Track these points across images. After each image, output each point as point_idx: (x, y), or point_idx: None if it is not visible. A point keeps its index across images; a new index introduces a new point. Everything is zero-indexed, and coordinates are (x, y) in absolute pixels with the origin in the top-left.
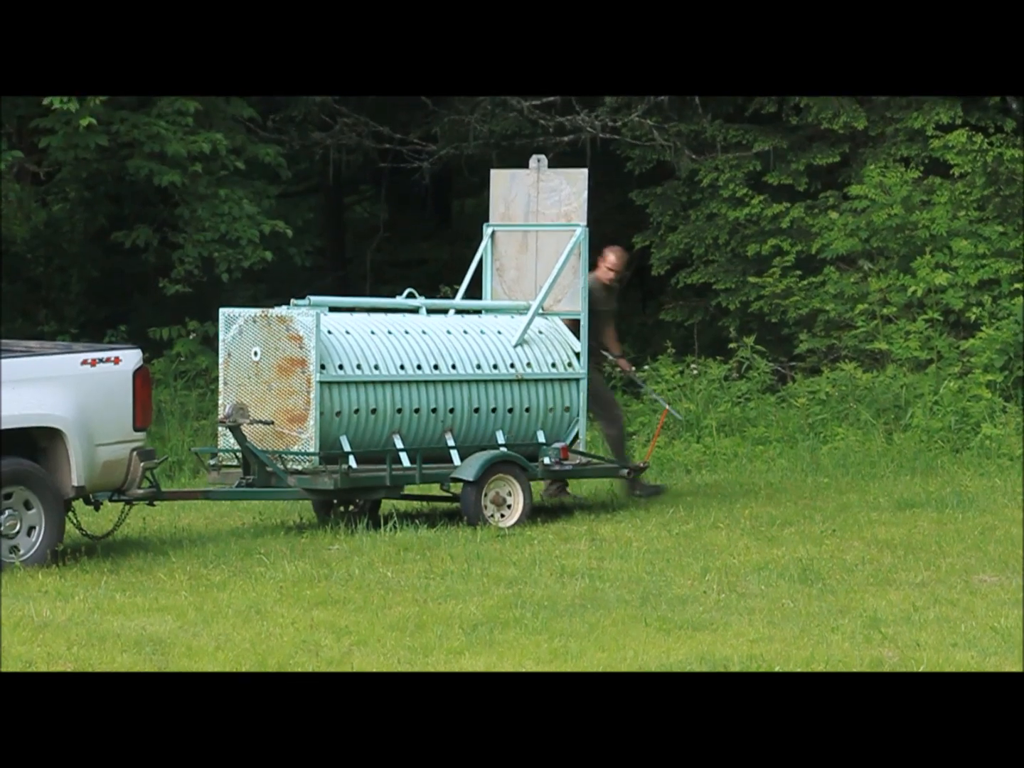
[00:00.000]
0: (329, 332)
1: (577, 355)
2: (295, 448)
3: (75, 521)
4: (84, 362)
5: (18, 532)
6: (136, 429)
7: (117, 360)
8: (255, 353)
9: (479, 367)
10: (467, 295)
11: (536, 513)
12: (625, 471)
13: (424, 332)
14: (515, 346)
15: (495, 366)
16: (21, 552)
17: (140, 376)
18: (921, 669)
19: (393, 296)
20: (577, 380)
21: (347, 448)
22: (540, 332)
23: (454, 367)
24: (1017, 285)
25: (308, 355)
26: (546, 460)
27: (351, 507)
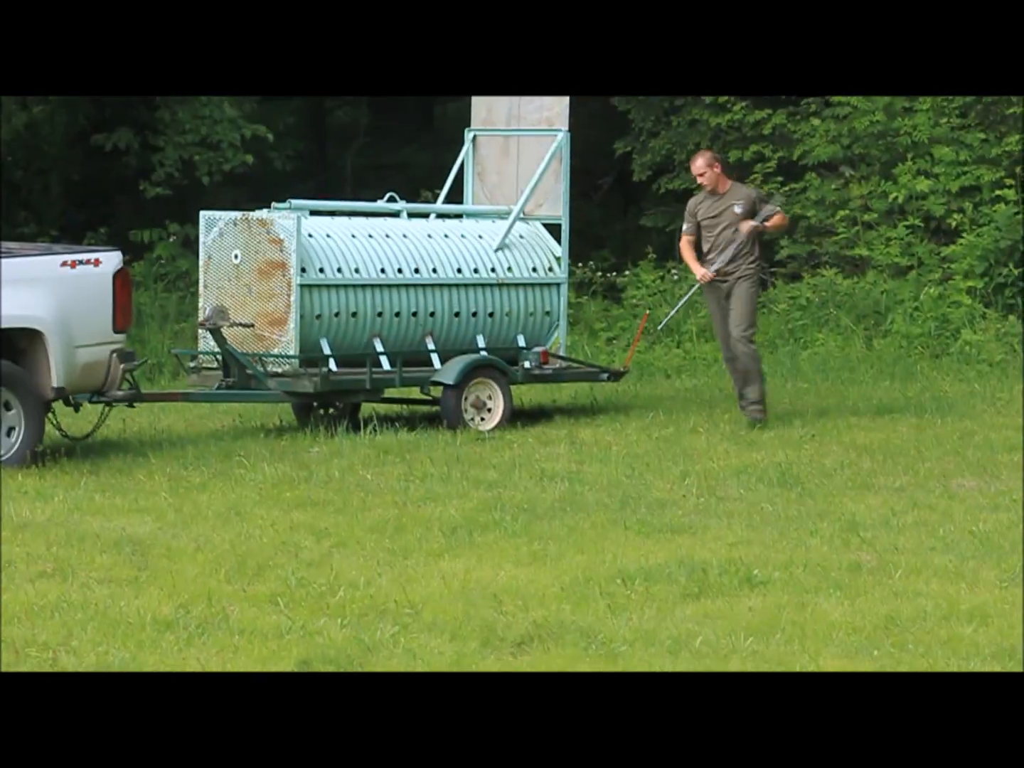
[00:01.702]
0: (310, 235)
1: (558, 260)
2: (275, 351)
3: (55, 422)
4: (64, 264)
5: None
6: (116, 331)
7: (97, 262)
8: (235, 256)
9: (460, 271)
10: (448, 199)
11: (516, 417)
12: (605, 375)
13: (405, 236)
14: (496, 250)
15: (476, 270)
16: (1, 452)
17: (120, 278)
18: (899, 574)
19: (374, 200)
20: (558, 285)
21: (327, 351)
22: (521, 237)
23: (435, 271)
24: (998, 192)
25: (288, 258)
26: (526, 364)
27: (331, 410)
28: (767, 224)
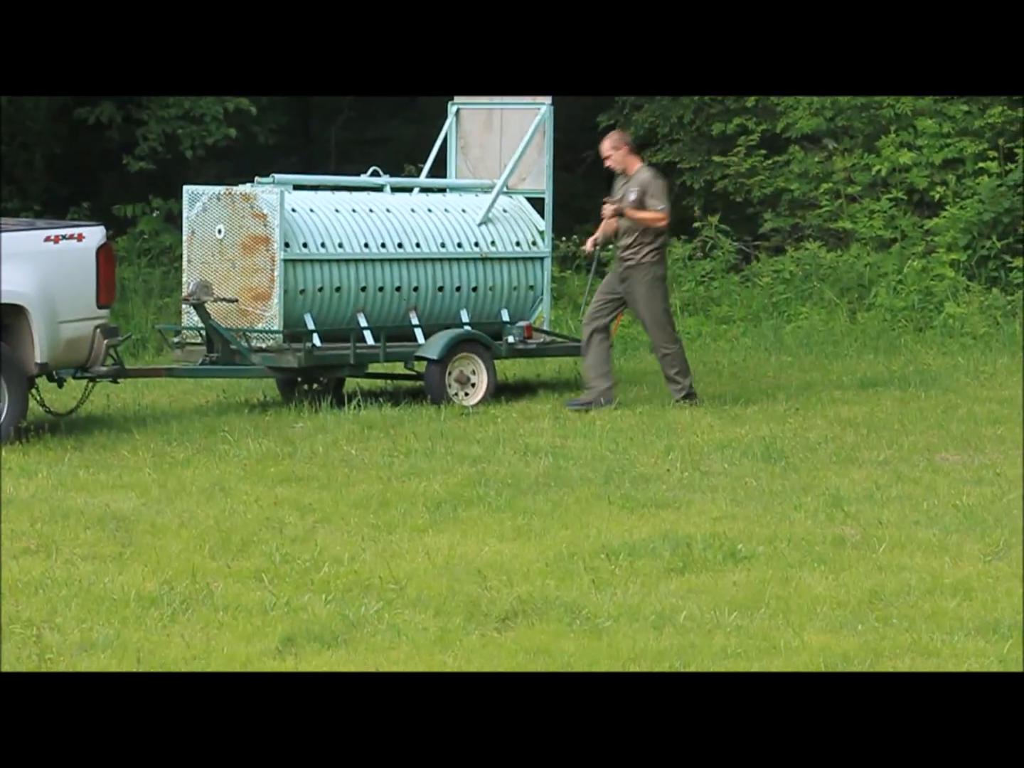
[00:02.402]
0: (293, 210)
1: (541, 234)
2: (259, 326)
3: (39, 398)
4: (47, 239)
5: None
6: (100, 306)
7: (80, 237)
8: (219, 231)
9: (443, 245)
10: (432, 173)
11: (500, 392)
12: None
13: (388, 210)
14: (479, 224)
15: (459, 244)
16: None
17: (103, 253)
18: (882, 548)
19: (358, 175)
20: (541, 259)
21: (311, 326)
22: (504, 211)
23: (418, 245)
24: (981, 164)
25: (272, 233)
26: (510, 339)
27: (315, 385)
28: (633, 213)
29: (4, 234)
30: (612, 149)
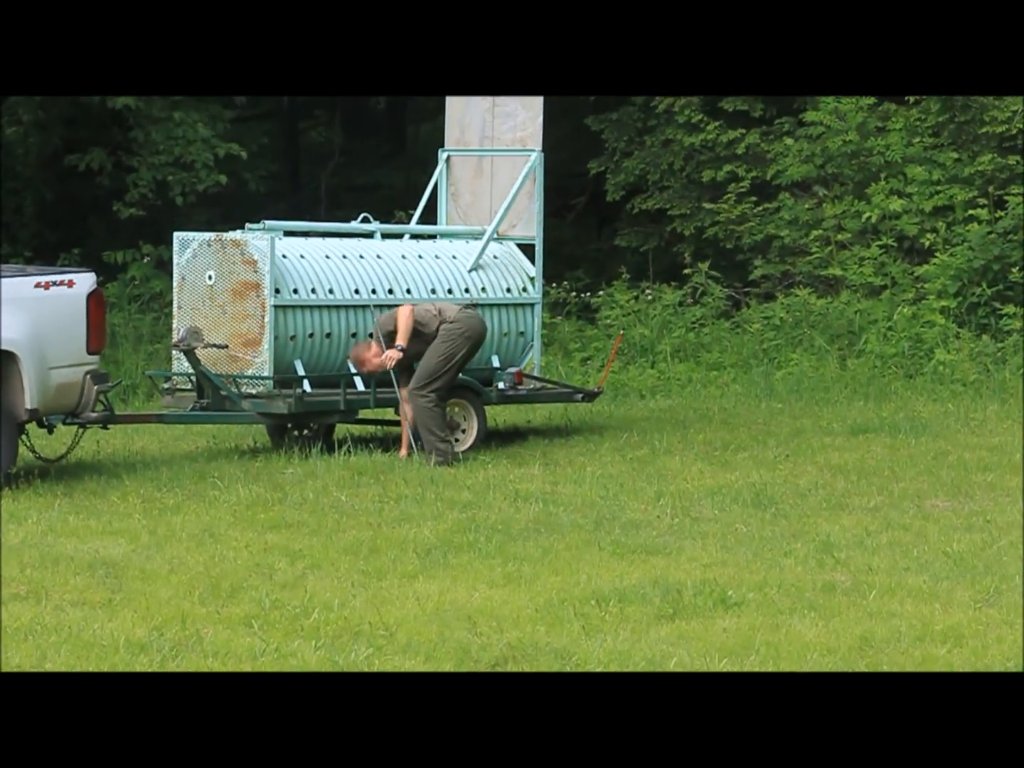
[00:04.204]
0: (284, 256)
1: (532, 280)
2: (249, 372)
3: (29, 444)
4: (38, 285)
5: None
6: (90, 352)
7: (71, 283)
8: (209, 277)
9: (434, 292)
10: (422, 220)
11: (490, 438)
12: (579, 396)
13: (379, 257)
14: (470, 271)
15: (450, 291)
16: None
17: (94, 299)
18: (873, 595)
19: (348, 221)
20: (532, 305)
21: (301, 372)
22: (495, 257)
23: (409, 292)
24: (971, 211)
25: (263, 279)
26: (500, 385)
27: (305, 431)
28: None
29: None
30: None
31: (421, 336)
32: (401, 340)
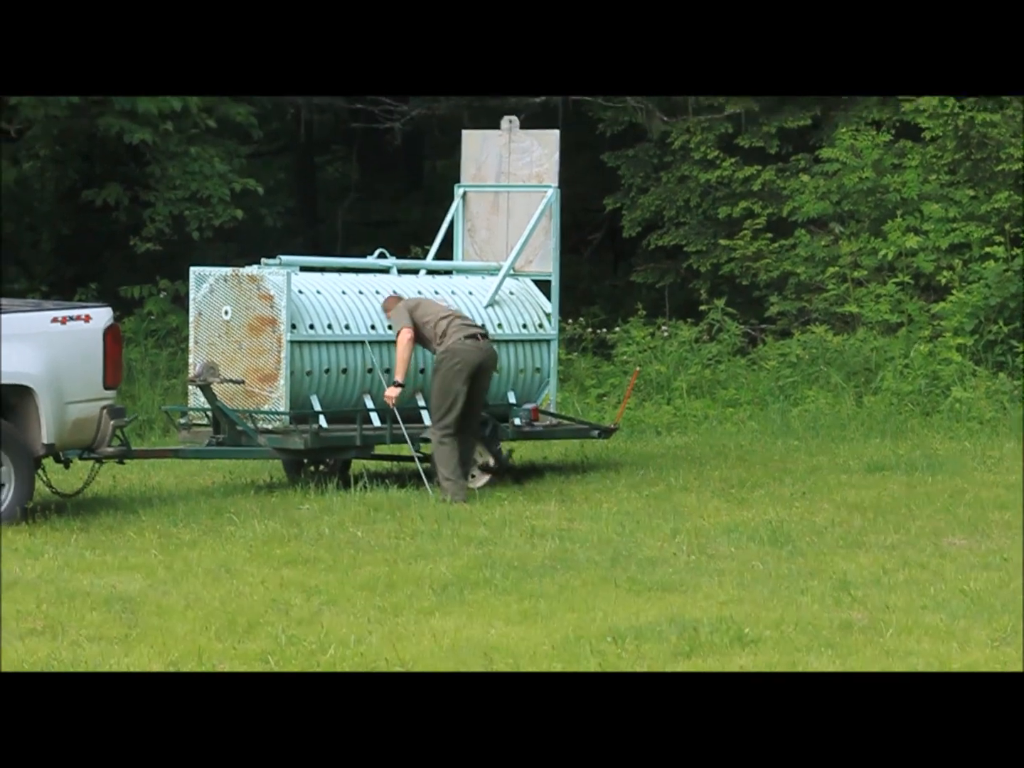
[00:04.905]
0: (300, 292)
1: (548, 316)
2: (266, 407)
3: (45, 479)
4: (55, 320)
5: None
6: (106, 387)
7: (88, 318)
8: (226, 312)
9: None
10: (438, 256)
11: (506, 473)
12: (595, 432)
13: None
14: (486, 307)
15: None
16: None
17: (111, 334)
18: (889, 633)
19: (364, 256)
20: (548, 341)
21: (317, 407)
22: (511, 293)
23: None
24: (988, 249)
25: (279, 314)
26: (516, 421)
27: (321, 467)
28: None
29: (12, 315)
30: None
31: (423, 335)
32: (399, 376)
